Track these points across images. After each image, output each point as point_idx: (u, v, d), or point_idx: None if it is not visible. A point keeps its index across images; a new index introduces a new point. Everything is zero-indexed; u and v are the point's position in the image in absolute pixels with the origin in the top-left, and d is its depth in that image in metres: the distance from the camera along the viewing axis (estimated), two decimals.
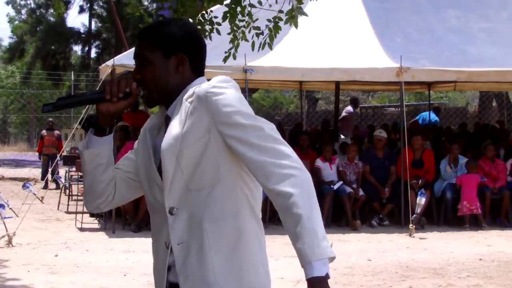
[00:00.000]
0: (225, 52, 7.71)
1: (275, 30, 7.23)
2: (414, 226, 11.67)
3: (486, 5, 15.57)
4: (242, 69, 12.26)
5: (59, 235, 11.54)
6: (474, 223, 12.62)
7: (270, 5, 7.34)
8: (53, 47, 38.43)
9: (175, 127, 2.52)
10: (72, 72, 34.24)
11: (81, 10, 39.58)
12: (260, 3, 7.19)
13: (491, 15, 15.32)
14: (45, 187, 18.07)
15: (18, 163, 30.67)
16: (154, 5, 34.75)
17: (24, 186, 13.24)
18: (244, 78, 12.17)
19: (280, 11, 7.17)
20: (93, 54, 40.30)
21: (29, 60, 40.72)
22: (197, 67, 2.67)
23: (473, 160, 13.10)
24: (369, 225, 12.67)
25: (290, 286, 7.98)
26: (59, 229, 12.25)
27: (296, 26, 7.20)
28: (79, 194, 14.57)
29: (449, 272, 8.80)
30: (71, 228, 12.42)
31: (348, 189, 12.76)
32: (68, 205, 14.72)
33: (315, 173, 12.49)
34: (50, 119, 22.94)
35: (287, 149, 2.44)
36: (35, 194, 13.53)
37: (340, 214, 12.78)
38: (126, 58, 12.65)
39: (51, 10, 38.43)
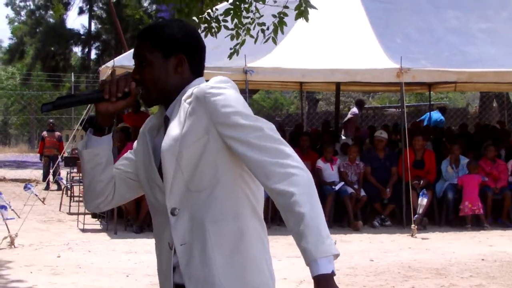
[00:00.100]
0: (230, 49, 7.71)
1: (280, 25, 7.24)
2: (416, 227, 11.67)
3: (486, 5, 15.57)
4: (242, 70, 12.26)
5: (61, 236, 11.55)
6: (476, 223, 12.61)
7: (275, 1, 7.35)
8: (53, 49, 38.49)
9: (174, 128, 2.52)
10: (72, 73, 34.32)
11: (81, 11, 39.68)
12: (263, 0, 7.20)
13: (491, 15, 15.32)
14: (47, 188, 18.06)
15: (19, 165, 30.68)
16: (154, 6, 34.78)
17: (25, 188, 13.26)
18: (244, 79, 12.18)
19: (285, 7, 7.18)
20: (93, 55, 40.40)
21: (29, 61, 40.75)
22: (196, 68, 2.67)
23: (474, 160, 13.10)
24: (371, 226, 12.67)
25: (293, 286, 7.98)
26: (61, 230, 12.26)
27: (307, 20, 7.20)
28: (80, 195, 14.58)
29: (451, 272, 8.80)
30: (73, 229, 12.42)
31: (350, 190, 12.76)
32: (70, 206, 14.72)
33: (316, 174, 12.50)
34: (51, 121, 22.98)
35: (287, 148, 2.44)
36: (36, 195, 13.54)
37: (342, 214, 12.78)
38: (126, 59, 12.65)
39: (51, 12, 38.51)
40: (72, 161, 16.84)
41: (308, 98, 28.18)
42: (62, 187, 17.35)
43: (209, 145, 2.48)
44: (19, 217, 12.20)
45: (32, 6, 40.43)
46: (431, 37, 14.46)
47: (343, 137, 16.73)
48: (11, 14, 44.50)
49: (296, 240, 2.35)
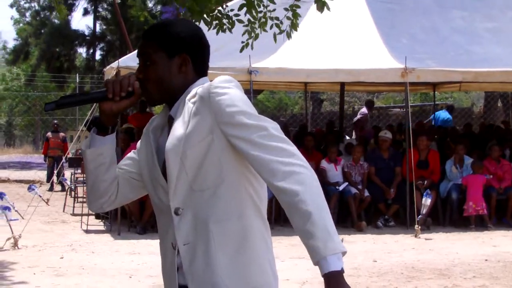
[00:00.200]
0: (242, 42, 7.68)
1: (294, 17, 7.21)
2: (419, 227, 11.65)
3: (491, 4, 15.55)
4: (247, 70, 12.25)
5: (65, 237, 11.55)
6: (479, 223, 12.59)
7: None
8: (57, 50, 38.52)
9: (178, 128, 2.51)
10: (77, 74, 34.36)
11: (86, 12, 39.72)
12: None
13: (496, 14, 15.29)
14: (51, 189, 18.11)
15: (23, 166, 30.73)
16: (159, 7, 34.79)
17: (29, 189, 13.27)
18: (249, 80, 12.17)
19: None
20: (97, 56, 40.40)
21: (34, 62, 40.81)
22: (200, 68, 2.67)
23: (478, 160, 13.07)
24: (374, 226, 12.66)
25: (296, 287, 7.97)
26: (65, 231, 12.27)
27: (328, 9, 7.18)
28: (84, 196, 14.56)
29: (455, 273, 8.78)
30: (77, 230, 12.43)
31: (354, 190, 12.75)
32: (73, 207, 14.73)
33: (320, 174, 12.48)
34: (55, 121, 23.02)
35: (292, 147, 2.43)
36: (40, 196, 13.57)
37: (346, 215, 12.77)
38: (130, 60, 12.64)
39: (55, 13, 38.56)
40: (76, 162, 16.85)
41: (312, 98, 28.19)
42: (66, 188, 17.37)
43: (213, 144, 2.48)
44: (23, 218, 12.23)
45: (37, 7, 40.49)
46: (436, 37, 14.43)
47: (353, 137, 16.71)
48: (16, 15, 44.60)
49: (303, 238, 2.33)
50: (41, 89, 49.64)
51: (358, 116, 19.50)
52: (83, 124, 14.54)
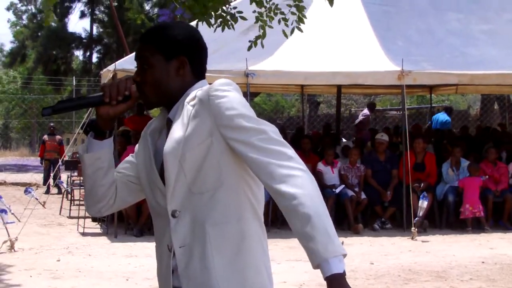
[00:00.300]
0: (249, 42, 7.68)
1: (299, 11, 7.21)
2: (416, 229, 11.66)
3: (487, 7, 15.56)
4: (244, 73, 12.25)
5: (61, 240, 11.54)
6: (476, 226, 12.59)
7: None
8: (54, 52, 38.49)
9: (177, 131, 2.51)
10: (74, 77, 34.35)
11: (82, 15, 39.69)
12: None
13: (492, 17, 15.31)
14: (47, 192, 18.07)
15: (20, 168, 30.71)
16: (155, 10, 34.80)
17: (26, 191, 13.23)
18: (245, 82, 12.16)
19: None
20: (94, 59, 40.41)
21: (31, 65, 40.79)
22: (197, 70, 2.67)
23: (475, 163, 13.08)
24: (371, 229, 12.66)
25: None
26: (61, 234, 12.25)
27: (331, 4, 7.18)
28: (81, 199, 14.57)
29: (451, 275, 8.79)
30: (73, 233, 12.41)
31: (350, 193, 12.76)
32: (70, 210, 14.72)
33: (317, 177, 12.46)
34: (52, 124, 23.00)
35: (290, 151, 2.44)
36: (37, 199, 13.51)
37: (342, 217, 12.76)
38: (127, 63, 12.64)
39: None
40: (73, 165, 16.84)
41: (309, 101, 28.19)
42: (63, 190, 17.34)
43: (212, 147, 2.48)
44: (19, 221, 12.18)
45: (33, 10, 40.48)
46: (432, 39, 14.44)
47: (343, 140, 16.71)
48: (13, 18, 44.59)
49: (303, 241, 2.33)
50: (38, 92, 49.59)
51: (360, 118, 19.55)
52: (80, 127, 14.54)
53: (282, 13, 7.36)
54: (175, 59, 2.61)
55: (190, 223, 2.51)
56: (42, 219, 14.05)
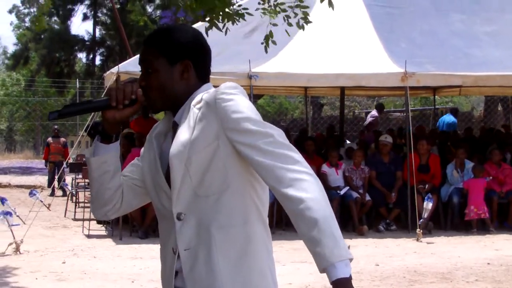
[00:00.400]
0: (261, 43, 7.67)
1: (304, 13, 7.20)
2: (421, 231, 11.66)
3: (490, 8, 15.54)
4: (247, 75, 12.26)
5: (66, 242, 11.55)
6: (481, 227, 12.59)
7: None
8: (57, 55, 38.52)
9: (183, 134, 2.52)
10: (77, 79, 34.35)
11: (85, 17, 39.71)
12: None
13: (495, 17, 15.28)
14: (52, 194, 18.11)
15: (24, 171, 30.72)
16: (158, 12, 34.81)
17: (31, 194, 13.25)
18: (249, 84, 12.17)
19: None
20: (97, 61, 40.40)
21: (34, 68, 40.83)
22: (202, 74, 2.67)
23: (479, 164, 13.07)
24: (376, 230, 12.65)
25: None
26: (66, 236, 12.27)
27: (333, 7, 7.18)
28: (86, 201, 14.58)
29: (457, 276, 8.78)
30: (78, 235, 12.43)
31: (355, 194, 12.75)
32: (75, 212, 14.73)
33: (321, 179, 12.40)
34: (56, 127, 23.03)
35: (297, 154, 2.44)
36: (42, 202, 13.55)
37: (347, 219, 12.76)
38: (130, 65, 12.66)
39: (55, 18, 38.56)
40: (77, 167, 16.85)
41: (312, 103, 28.19)
42: (67, 193, 17.36)
43: (219, 150, 2.48)
44: (24, 223, 12.21)
45: (36, 13, 40.51)
46: (435, 41, 14.43)
47: (347, 142, 16.71)
48: (15, 20, 44.62)
49: (309, 245, 2.33)
50: (41, 95, 49.64)
51: (369, 119, 19.55)
52: (84, 130, 14.55)
53: (285, 10, 7.36)
54: (179, 63, 2.61)
55: (195, 226, 2.51)
56: (47, 221, 14.06)
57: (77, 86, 31.86)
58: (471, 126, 20.54)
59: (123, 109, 2.61)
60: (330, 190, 12.46)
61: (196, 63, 2.64)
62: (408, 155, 12.66)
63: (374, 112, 19.95)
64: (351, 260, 2.33)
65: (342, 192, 12.69)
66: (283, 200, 2.39)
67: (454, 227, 12.80)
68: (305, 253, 2.36)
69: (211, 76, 2.74)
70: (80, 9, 39.45)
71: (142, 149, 2.78)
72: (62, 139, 22.14)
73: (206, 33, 6.94)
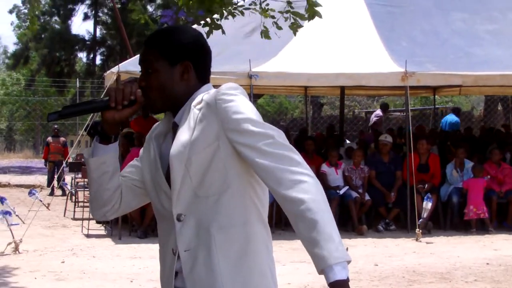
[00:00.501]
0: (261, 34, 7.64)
1: (295, 20, 7.17)
2: (420, 231, 11.65)
3: (492, 7, 15.52)
4: (247, 74, 12.26)
5: (66, 242, 11.55)
6: (480, 227, 12.58)
7: None
8: (58, 54, 38.52)
9: (183, 134, 2.52)
10: (77, 79, 34.35)
11: (86, 17, 39.71)
12: None
13: (496, 16, 15.27)
14: (51, 194, 18.09)
15: (24, 170, 30.72)
16: (159, 12, 34.82)
17: (30, 193, 13.27)
18: (249, 84, 12.16)
19: (289, 2, 7.14)
20: (98, 61, 40.39)
21: (35, 67, 40.83)
22: (202, 74, 2.67)
23: (479, 164, 13.07)
24: (375, 230, 12.65)
25: None
26: (66, 236, 12.27)
27: (320, 16, 7.16)
28: (85, 200, 14.58)
29: (456, 276, 8.78)
30: (78, 234, 12.42)
31: (354, 194, 12.75)
32: (74, 211, 14.73)
33: (321, 178, 12.47)
34: (56, 126, 23.03)
35: (297, 156, 2.44)
36: (41, 201, 13.57)
37: (346, 219, 12.76)
38: (131, 65, 12.65)
39: (56, 18, 38.56)
40: (77, 167, 16.84)
41: (312, 102, 28.18)
42: (67, 192, 17.37)
43: (219, 151, 2.49)
44: (23, 222, 12.23)
45: (36, 12, 40.50)
46: (436, 40, 14.41)
47: (347, 141, 16.70)
48: (16, 20, 44.60)
49: (308, 246, 2.34)
50: (41, 94, 49.64)
51: (374, 119, 19.58)
52: (83, 129, 14.55)
53: (273, 17, 7.35)
54: (180, 64, 2.62)
55: (195, 226, 2.51)
56: (46, 221, 14.06)
57: (77, 86, 31.86)
58: (471, 125, 20.55)
59: (122, 110, 2.61)
60: (330, 190, 12.46)
61: (197, 64, 2.64)
62: (408, 154, 12.66)
63: (378, 112, 19.99)
64: (349, 262, 2.33)
65: (341, 192, 12.68)
66: (282, 201, 2.39)
67: (454, 227, 12.80)
68: (304, 253, 2.36)
69: (211, 76, 2.74)
70: (81, 9, 39.49)
71: (141, 149, 2.78)
72: (62, 139, 22.13)
73: (207, 36, 6.93)
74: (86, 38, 40.04)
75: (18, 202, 16.81)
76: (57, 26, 39.07)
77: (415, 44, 14.08)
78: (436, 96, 20.49)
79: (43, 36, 38.31)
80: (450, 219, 12.94)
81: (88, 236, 12.14)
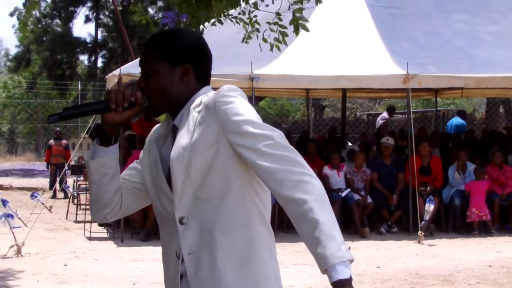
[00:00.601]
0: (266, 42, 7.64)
1: (282, 33, 7.18)
2: (422, 233, 11.64)
3: (492, 8, 15.52)
4: (249, 77, 12.26)
5: (68, 245, 11.55)
6: (483, 229, 12.56)
7: (267, 5, 7.29)
8: (59, 57, 38.55)
9: (183, 137, 2.51)
10: (79, 81, 34.40)
11: (87, 19, 39.75)
12: (255, 5, 7.15)
13: (498, 18, 15.26)
14: (53, 196, 18.09)
15: (26, 173, 30.76)
16: (160, 14, 34.84)
17: (32, 196, 13.27)
18: (250, 86, 12.17)
19: (278, 13, 7.12)
20: (99, 63, 40.46)
21: (36, 70, 40.85)
22: (202, 77, 2.67)
23: (481, 166, 13.06)
24: (377, 233, 12.64)
25: None
26: (68, 239, 12.27)
27: (307, 30, 7.15)
28: (87, 203, 14.58)
29: (458, 279, 8.77)
30: (80, 237, 12.42)
31: (356, 197, 12.74)
32: (76, 214, 14.74)
33: (323, 181, 12.41)
34: (58, 129, 23.06)
35: (297, 156, 2.43)
36: (43, 204, 13.56)
37: (349, 221, 12.74)
38: (132, 67, 12.66)
39: (57, 20, 38.58)
40: (79, 169, 16.88)
41: (314, 105, 28.20)
42: (69, 195, 17.37)
43: (219, 153, 2.48)
44: (26, 225, 12.23)
45: (37, 15, 40.55)
46: (438, 41, 14.40)
47: (349, 144, 16.70)
48: (17, 23, 44.61)
49: (311, 246, 2.33)
50: (43, 97, 49.70)
51: (380, 122, 19.58)
52: (85, 132, 14.56)
53: (257, 30, 7.34)
54: (180, 66, 2.61)
55: (197, 229, 2.51)
56: (48, 223, 14.07)
57: (79, 89, 31.94)
58: (473, 128, 20.54)
59: (122, 112, 2.60)
60: (332, 192, 12.45)
61: (197, 66, 2.64)
62: (410, 157, 12.64)
63: (385, 114, 19.99)
64: (351, 261, 2.33)
65: (343, 194, 12.68)
66: (285, 202, 2.38)
67: (456, 229, 12.79)
68: (307, 256, 2.36)
69: (213, 79, 2.74)
70: (82, 11, 39.56)
71: (141, 152, 2.78)
72: (64, 141, 22.15)
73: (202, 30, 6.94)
74: (88, 40, 40.11)
75: (20, 205, 16.83)
76: (58, 29, 39.11)
77: (416, 45, 14.07)
78: (438, 99, 20.48)
79: (44, 38, 38.36)
80: (452, 222, 12.93)
81: (90, 238, 12.14)
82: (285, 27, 7.02)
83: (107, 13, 40.04)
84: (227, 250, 2.48)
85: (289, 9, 6.95)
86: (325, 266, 2.30)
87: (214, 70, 2.78)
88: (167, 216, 2.60)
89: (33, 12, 40.04)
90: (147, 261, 9.94)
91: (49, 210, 15.09)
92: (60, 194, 19.28)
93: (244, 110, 2.47)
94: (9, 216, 10.76)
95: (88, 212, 12.76)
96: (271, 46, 7.22)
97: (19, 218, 12.05)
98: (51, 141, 21.99)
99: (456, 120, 19.14)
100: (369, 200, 12.85)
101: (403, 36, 14.35)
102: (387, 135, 15.45)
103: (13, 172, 30.59)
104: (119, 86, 11.98)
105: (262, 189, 2.58)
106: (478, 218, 12.50)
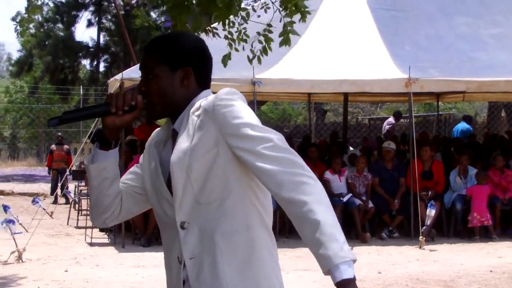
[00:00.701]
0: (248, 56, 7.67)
1: (267, 42, 7.18)
2: (424, 238, 11.63)
3: (495, 10, 15.49)
4: (251, 81, 12.26)
5: (69, 250, 11.54)
6: (484, 234, 12.55)
7: (259, 16, 7.29)
8: (61, 61, 38.58)
9: (183, 141, 2.51)
10: (81, 86, 34.43)
11: (90, 24, 39.76)
12: (247, 14, 7.15)
13: (500, 20, 15.24)
14: (55, 202, 18.09)
15: (27, 178, 30.75)
16: (162, 18, 34.88)
17: (33, 201, 13.27)
18: (252, 91, 12.16)
19: (269, 25, 7.13)
20: (101, 68, 40.45)
21: (38, 74, 40.88)
22: (202, 81, 2.67)
23: (482, 171, 13.03)
24: (378, 238, 12.63)
25: None
26: (69, 244, 12.26)
27: (289, 43, 7.18)
28: (88, 208, 14.57)
29: (459, 284, 8.75)
30: (81, 243, 12.42)
31: (358, 201, 12.72)
32: (77, 220, 14.74)
33: (324, 185, 12.38)
34: (59, 134, 23.05)
35: (297, 158, 2.43)
36: (44, 209, 13.54)
37: (350, 226, 12.71)
38: (134, 72, 12.65)
39: (59, 24, 38.61)
40: (80, 175, 16.87)
41: (316, 109, 28.20)
42: (70, 200, 17.38)
43: (219, 157, 2.48)
44: (27, 231, 12.22)
45: (40, 19, 40.59)
46: (440, 44, 14.38)
47: (350, 148, 16.69)
48: (19, 27, 44.60)
49: (312, 248, 2.32)
50: (45, 101, 49.74)
51: (387, 127, 19.60)
52: (87, 137, 14.56)
53: (245, 41, 7.34)
54: (180, 70, 2.62)
55: (198, 233, 2.51)
56: (49, 229, 14.06)
57: (81, 93, 31.95)
58: (475, 132, 20.52)
59: (123, 116, 2.61)
60: (333, 197, 12.43)
61: (197, 70, 2.64)
62: (411, 161, 12.62)
63: (391, 120, 20.04)
64: (354, 261, 2.32)
65: (345, 199, 12.66)
66: (285, 204, 2.38)
67: (457, 234, 12.77)
68: (308, 261, 2.36)
69: (214, 83, 2.74)
70: (85, 16, 39.55)
71: (141, 156, 2.78)
72: (66, 146, 22.15)
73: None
74: (90, 45, 40.11)
75: (22, 210, 16.83)
76: (60, 33, 39.13)
77: (418, 48, 14.05)
78: (439, 103, 20.47)
79: (46, 43, 38.37)
80: (454, 227, 12.90)
81: (91, 244, 12.13)
82: (271, 40, 7.05)
83: (109, 17, 40.06)
84: (228, 254, 2.48)
85: (280, 21, 6.96)
86: (328, 267, 2.29)
87: (216, 74, 2.78)
88: (168, 221, 2.59)
89: (35, 17, 40.11)
90: (148, 267, 9.93)
91: (50, 216, 15.09)
92: (62, 200, 19.28)
93: (243, 113, 2.47)
94: (10, 221, 10.76)
95: (89, 217, 12.75)
96: (258, 58, 7.26)
97: (20, 223, 12.04)
98: (53, 146, 22.00)
99: (462, 125, 19.12)
100: (371, 205, 12.83)
101: (405, 39, 14.33)
102: (389, 139, 15.45)
103: (15, 178, 30.60)
104: (121, 91, 11.97)
105: (262, 192, 2.57)
106: (479, 223, 12.48)
